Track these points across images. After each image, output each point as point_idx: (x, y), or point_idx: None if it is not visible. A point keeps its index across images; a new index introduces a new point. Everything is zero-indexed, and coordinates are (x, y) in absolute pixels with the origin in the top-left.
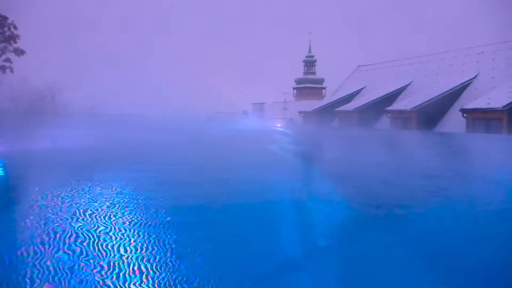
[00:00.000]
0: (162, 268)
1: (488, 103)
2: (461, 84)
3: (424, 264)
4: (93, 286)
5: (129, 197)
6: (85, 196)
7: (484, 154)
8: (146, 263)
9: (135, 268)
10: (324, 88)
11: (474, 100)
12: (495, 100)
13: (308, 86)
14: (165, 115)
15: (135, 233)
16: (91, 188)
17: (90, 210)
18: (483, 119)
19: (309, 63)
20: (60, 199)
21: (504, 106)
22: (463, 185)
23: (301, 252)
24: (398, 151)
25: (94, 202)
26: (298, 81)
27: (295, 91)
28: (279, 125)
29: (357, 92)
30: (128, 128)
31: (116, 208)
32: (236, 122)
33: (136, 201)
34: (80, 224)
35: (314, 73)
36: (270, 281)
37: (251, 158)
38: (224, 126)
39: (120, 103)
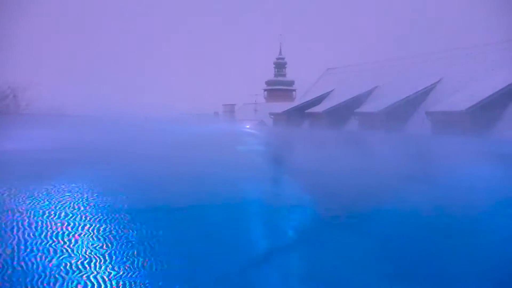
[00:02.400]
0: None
1: (451, 106)
2: (426, 87)
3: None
4: None
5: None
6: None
7: (436, 155)
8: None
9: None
10: (295, 90)
11: (439, 103)
12: (458, 103)
13: (279, 88)
14: (130, 116)
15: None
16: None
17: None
18: (447, 121)
19: (280, 65)
20: None
21: (467, 109)
22: (401, 183)
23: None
24: (357, 152)
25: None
26: (269, 83)
27: (265, 92)
28: (248, 126)
29: (327, 94)
30: (85, 130)
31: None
32: (206, 124)
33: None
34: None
35: (284, 75)
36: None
37: (210, 160)
38: (190, 128)
39: (85, 104)
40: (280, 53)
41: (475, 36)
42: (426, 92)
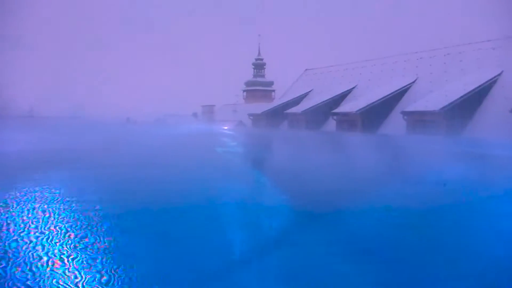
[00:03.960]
0: None
1: (426, 106)
2: (402, 88)
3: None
4: None
5: None
6: None
7: (402, 155)
8: None
9: None
10: (274, 90)
11: (414, 103)
12: (432, 103)
13: (258, 89)
14: (111, 117)
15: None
16: None
17: None
18: (422, 121)
19: (259, 66)
20: None
21: (441, 109)
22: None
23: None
24: (323, 154)
25: None
26: (248, 84)
27: (245, 93)
28: (226, 127)
29: (305, 95)
30: (56, 132)
31: None
32: (185, 125)
33: None
34: None
35: (263, 76)
36: None
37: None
38: (171, 129)
39: (63, 105)
40: (259, 53)
41: (452, 36)
42: (402, 92)
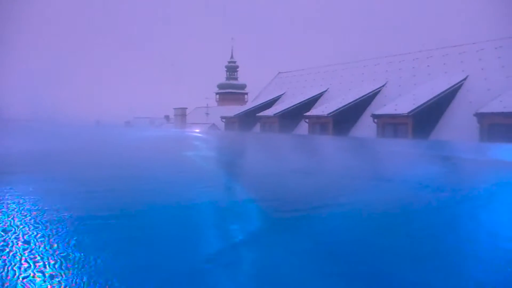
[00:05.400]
0: None
1: (395, 109)
2: (372, 91)
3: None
4: None
5: None
6: None
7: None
8: None
9: None
10: (246, 93)
11: (383, 106)
12: (402, 106)
13: (231, 91)
14: (80, 120)
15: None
16: None
17: None
18: (391, 124)
19: (231, 69)
20: None
21: (409, 112)
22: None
23: None
24: (296, 155)
25: None
26: (221, 86)
27: (217, 96)
28: (197, 130)
29: (278, 97)
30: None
31: None
32: (156, 128)
33: None
34: None
35: (236, 79)
36: None
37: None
38: (139, 133)
39: (27, 107)
40: (232, 56)
41: (423, 41)
42: (372, 96)
